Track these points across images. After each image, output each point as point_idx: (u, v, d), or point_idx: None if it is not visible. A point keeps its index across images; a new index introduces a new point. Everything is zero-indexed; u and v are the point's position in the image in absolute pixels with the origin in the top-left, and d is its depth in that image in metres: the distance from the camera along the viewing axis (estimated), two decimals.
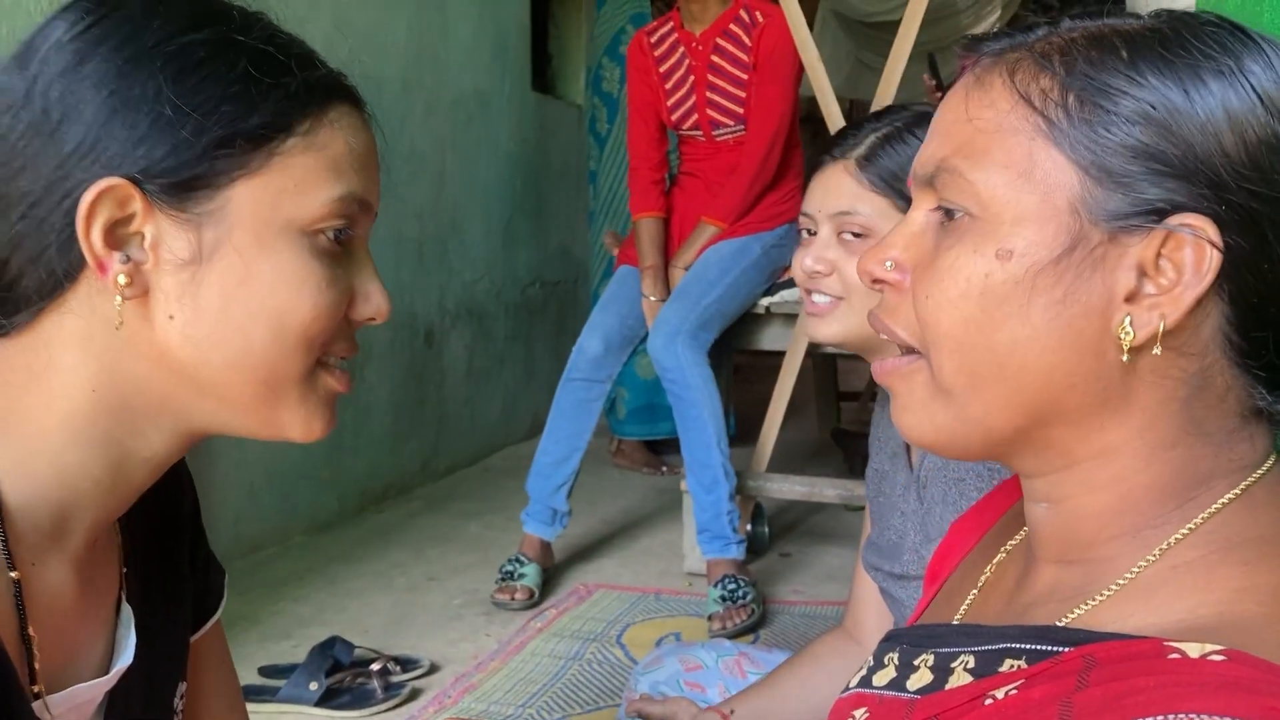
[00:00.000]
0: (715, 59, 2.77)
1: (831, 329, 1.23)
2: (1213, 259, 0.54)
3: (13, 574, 0.62)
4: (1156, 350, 0.55)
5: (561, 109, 4.74)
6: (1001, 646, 0.59)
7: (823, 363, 3.85)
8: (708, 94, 2.78)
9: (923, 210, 0.63)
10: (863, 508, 1.44)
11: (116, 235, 0.62)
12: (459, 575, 2.75)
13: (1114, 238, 0.55)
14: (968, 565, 0.76)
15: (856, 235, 1.21)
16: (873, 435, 1.42)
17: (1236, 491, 0.57)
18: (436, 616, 2.49)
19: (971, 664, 0.60)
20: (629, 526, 3.21)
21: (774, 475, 2.80)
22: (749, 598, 2.45)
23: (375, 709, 2.02)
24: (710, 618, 2.40)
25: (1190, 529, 0.57)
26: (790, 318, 2.77)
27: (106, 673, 0.70)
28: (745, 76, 2.74)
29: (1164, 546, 0.57)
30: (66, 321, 0.64)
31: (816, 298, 1.25)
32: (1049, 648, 0.56)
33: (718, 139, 2.83)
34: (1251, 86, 0.55)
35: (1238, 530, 0.56)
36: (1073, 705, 0.50)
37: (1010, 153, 0.57)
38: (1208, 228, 0.54)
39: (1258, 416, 0.58)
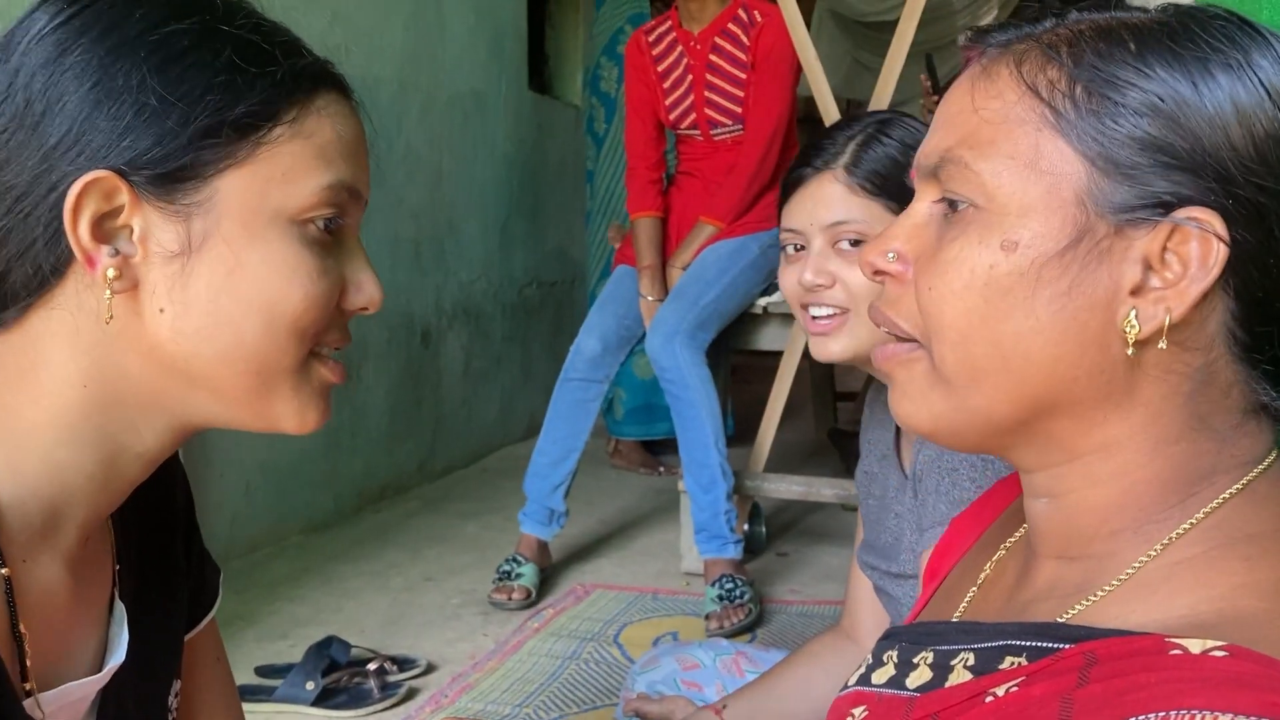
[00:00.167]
0: (713, 58, 2.76)
1: (841, 344, 1.21)
2: (1219, 253, 0.53)
3: (3, 571, 0.61)
4: (1162, 344, 0.55)
5: (558, 109, 4.74)
6: (1002, 644, 0.59)
7: (820, 363, 3.84)
8: (706, 93, 2.78)
9: (926, 202, 0.63)
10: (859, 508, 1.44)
11: (104, 228, 0.62)
12: (456, 575, 2.75)
13: (1120, 230, 0.55)
14: (967, 562, 0.76)
15: (854, 243, 1.21)
16: (863, 437, 1.41)
17: (1239, 487, 0.57)
18: (433, 616, 2.48)
19: (971, 661, 0.60)
20: (626, 526, 3.21)
21: (771, 475, 2.80)
22: (746, 597, 2.44)
23: (372, 709, 2.01)
24: (708, 617, 2.40)
25: (1192, 524, 0.56)
26: (788, 318, 2.77)
27: (99, 670, 0.69)
28: (744, 76, 2.74)
29: (1165, 542, 0.56)
30: (55, 317, 0.63)
31: (818, 311, 1.22)
32: (1050, 644, 0.55)
33: (716, 138, 2.82)
34: (1260, 81, 0.54)
35: (1239, 526, 0.56)
36: (1074, 702, 0.50)
37: (1017, 143, 0.57)
38: (1214, 221, 0.53)
39: (1261, 412, 0.58)
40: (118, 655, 0.70)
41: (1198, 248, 0.54)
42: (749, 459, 2.83)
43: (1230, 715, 0.44)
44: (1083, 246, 0.55)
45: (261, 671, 2.13)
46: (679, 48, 2.81)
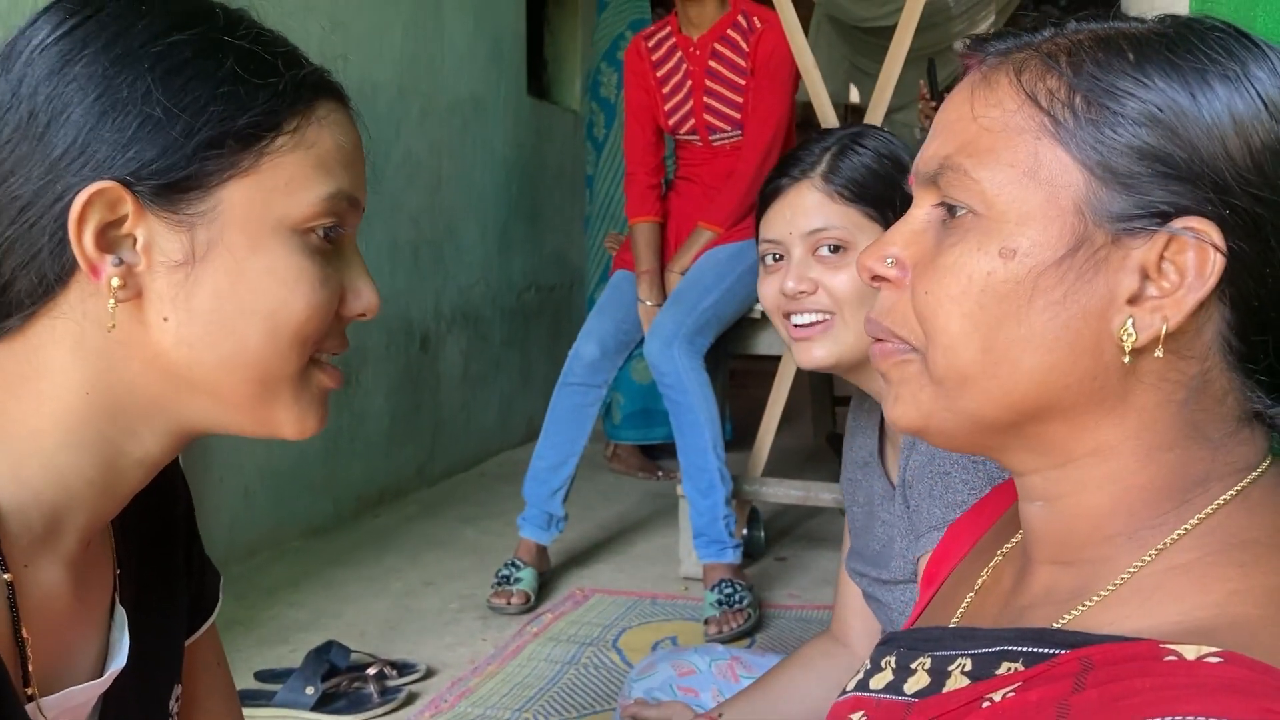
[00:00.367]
0: (713, 64, 2.77)
1: (825, 349, 1.21)
2: (1216, 263, 0.54)
3: (5, 576, 0.61)
4: (1158, 353, 0.55)
5: (557, 114, 4.74)
6: (998, 649, 0.59)
7: None
8: (705, 99, 2.78)
9: (924, 207, 0.63)
10: None
11: (108, 238, 0.62)
12: (455, 580, 2.75)
13: (1118, 240, 0.55)
14: (964, 568, 0.76)
15: (835, 250, 1.21)
16: (845, 444, 1.42)
17: (1233, 493, 0.57)
18: (433, 621, 2.48)
19: (969, 667, 0.60)
20: (625, 531, 3.21)
21: (770, 480, 2.80)
22: (745, 602, 2.44)
23: (371, 713, 2.01)
24: (707, 622, 2.40)
25: (1186, 530, 0.57)
26: None
27: (100, 675, 0.70)
28: (743, 82, 2.74)
29: (1160, 548, 0.57)
30: (58, 325, 0.64)
31: (800, 319, 1.22)
32: (1046, 650, 0.56)
33: (715, 144, 2.83)
34: (1257, 92, 0.55)
35: (1234, 532, 0.56)
36: (1070, 708, 0.50)
37: (1016, 152, 0.57)
38: (1211, 231, 0.54)
39: (1255, 420, 0.58)
40: (119, 660, 0.70)
41: (1195, 257, 0.54)
42: (747, 464, 2.83)
43: None
44: (1080, 255, 0.56)
45: (261, 676, 2.12)
46: (678, 53, 2.81)
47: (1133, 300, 0.55)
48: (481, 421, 4.05)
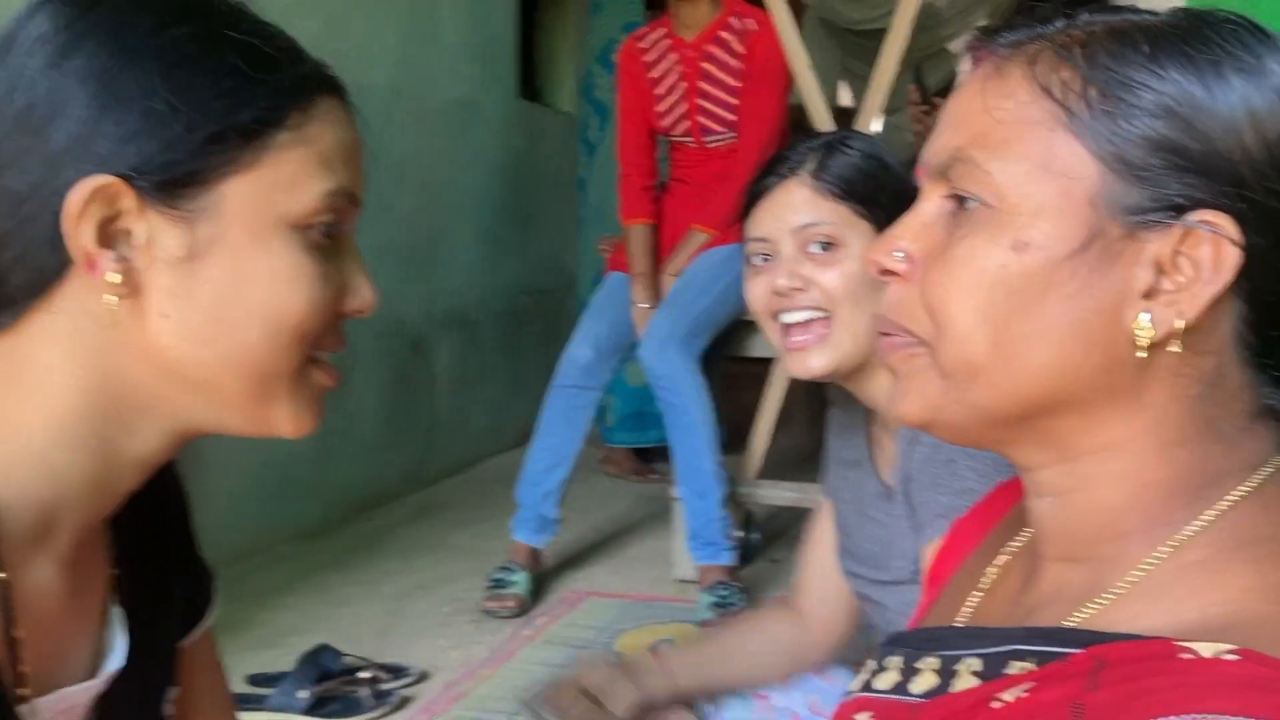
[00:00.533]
0: (707, 66, 2.76)
1: (823, 358, 1.20)
2: (1231, 257, 0.53)
3: (0, 575, 0.61)
4: (1174, 347, 0.55)
5: (549, 117, 4.73)
6: (1008, 648, 0.58)
7: None
8: (699, 101, 2.78)
9: (933, 200, 0.62)
10: None
11: (108, 233, 0.61)
12: (448, 583, 2.74)
13: (1132, 233, 0.55)
14: (970, 567, 0.75)
15: (825, 247, 1.20)
16: (830, 442, 1.42)
17: (1247, 490, 0.56)
18: (426, 624, 2.47)
19: (977, 666, 0.60)
20: (619, 534, 3.20)
21: (764, 481, 2.80)
22: (740, 604, 2.44)
23: (365, 717, 2.01)
24: (702, 624, 2.39)
25: (1200, 527, 0.56)
26: None
27: (94, 676, 0.69)
28: (737, 84, 2.74)
29: (1174, 544, 0.56)
30: (54, 320, 0.63)
31: (791, 318, 1.21)
32: (1058, 649, 0.55)
33: (709, 146, 2.82)
34: (1273, 85, 0.55)
35: (1249, 529, 0.55)
36: (1085, 707, 0.50)
37: (1029, 144, 0.57)
38: (1227, 225, 0.53)
39: (1269, 415, 0.58)
40: (114, 660, 0.70)
41: (1210, 251, 0.54)
42: (742, 466, 2.82)
43: (1243, 719, 0.44)
44: (1094, 249, 0.55)
45: (254, 680, 2.11)
46: (672, 55, 2.81)
47: (1147, 294, 0.55)
48: (474, 424, 4.04)
